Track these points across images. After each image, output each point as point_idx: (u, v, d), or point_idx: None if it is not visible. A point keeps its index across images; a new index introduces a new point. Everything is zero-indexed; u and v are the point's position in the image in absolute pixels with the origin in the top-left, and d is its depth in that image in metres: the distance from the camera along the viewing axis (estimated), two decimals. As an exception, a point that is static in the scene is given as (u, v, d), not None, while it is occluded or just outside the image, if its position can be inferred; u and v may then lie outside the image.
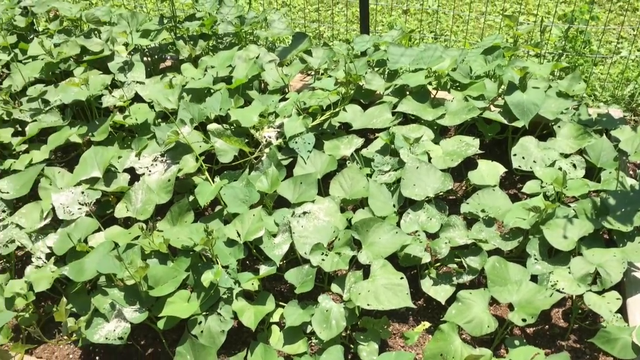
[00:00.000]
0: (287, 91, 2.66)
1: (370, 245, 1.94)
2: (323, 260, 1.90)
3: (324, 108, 2.48)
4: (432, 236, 2.03)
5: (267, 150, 2.32)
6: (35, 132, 2.53)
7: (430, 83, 2.57)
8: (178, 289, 1.90)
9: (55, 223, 2.22)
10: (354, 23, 3.67)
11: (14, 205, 2.32)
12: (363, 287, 1.81)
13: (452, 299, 1.85)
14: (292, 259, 2.12)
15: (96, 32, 3.01)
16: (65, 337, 2.04)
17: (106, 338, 1.83)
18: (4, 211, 2.28)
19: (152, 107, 2.56)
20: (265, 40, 3.28)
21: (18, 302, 1.99)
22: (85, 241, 2.12)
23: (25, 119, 2.62)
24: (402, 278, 1.80)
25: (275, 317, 1.92)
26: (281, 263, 2.11)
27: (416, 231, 2.00)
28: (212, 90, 2.58)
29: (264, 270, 1.96)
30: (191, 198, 2.20)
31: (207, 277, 1.86)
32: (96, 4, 4.08)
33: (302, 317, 1.83)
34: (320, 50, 2.76)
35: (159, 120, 2.55)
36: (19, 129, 2.64)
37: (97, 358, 2.00)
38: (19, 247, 2.17)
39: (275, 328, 1.89)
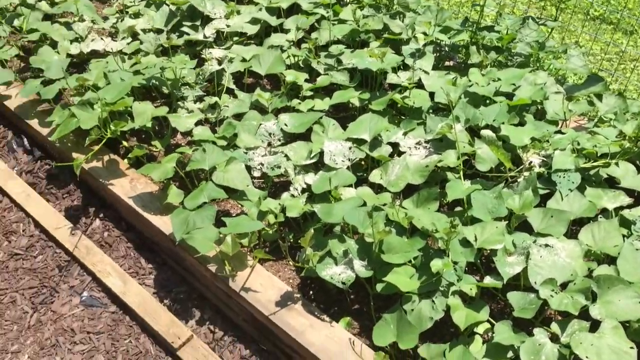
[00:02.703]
0: (566, 126, 2.62)
1: (606, 303, 1.86)
2: (552, 296, 1.88)
3: (597, 155, 2.40)
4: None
5: (526, 173, 2.32)
6: (324, 84, 2.82)
7: None
8: (405, 264, 2.02)
9: (320, 165, 2.47)
10: (649, 84, 3.44)
11: (288, 138, 2.63)
12: (587, 339, 1.75)
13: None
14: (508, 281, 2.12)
15: (401, 15, 3.23)
16: (292, 263, 2.28)
17: (331, 277, 2.01)
18: (279, 140, 2.61)
19: (431, 96, 2.70)
20: (555, 71, 3.24)
21: (269, 218, 2.27)
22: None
23: (319, 70, 2.92)
24: (632, 348, 1.71)
25: (480, 329, 1.95)
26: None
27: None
28: (491, 101, 2.63)
29: (489, 281, 1.99)
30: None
31: (436, 264, 1.94)
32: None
33: (512, 340, 1.83)
34: (613, 99, 2.65)
35: (431, 111, 2.68)
36: (309, 77, 2.95)
37: (311, 291, 2.21)
38: (281, 174, 2.46)
39: (478, 338, 1.92)
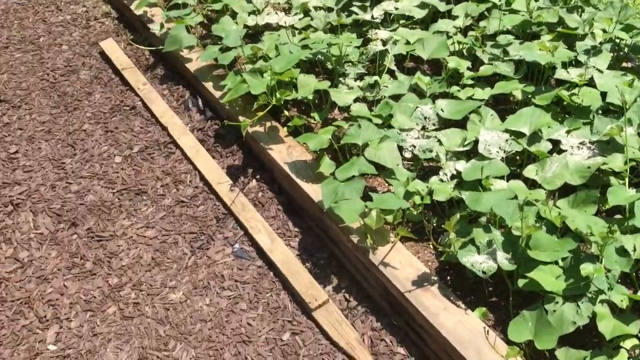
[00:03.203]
0: None
1: None
2: None
3: None
4: None
5: (703, 189, 2.13)
6: (487, 74, 2.77)
7: None
8: (552, 263, 1.96)
9: (472, 154, 2.45)
10: None
11: (442, 124, 2.63)
12: None
13: None
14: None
15: (579, 9, 3.06)
16: (432, 247, 2.30)
17: (472, 265, 2.01)
18: (434, 124, 2.62)
19: (602, 96, 2.55)
20: None
21: (415, 199, 2.30)
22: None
23: (483, 59, 2.88)
24: None
25: (627, 344, 1.84)
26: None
27: None
28: (670, 107, 2.43)
29: (645, 295, 1.87)
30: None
31: (586, 268, 1.86)
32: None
33: (663, 360, 1.71)
34: None
35: (600, 111, 2.53)
36: (472, 66, 2.91)
37: (448, 277, 2.22)
38: (432, 158, 2.47)
39: (624, 352, 1.82)
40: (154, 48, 3.61)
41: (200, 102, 3.25)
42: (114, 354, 2.26)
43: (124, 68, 3.50)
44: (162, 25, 3.49)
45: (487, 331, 1.96)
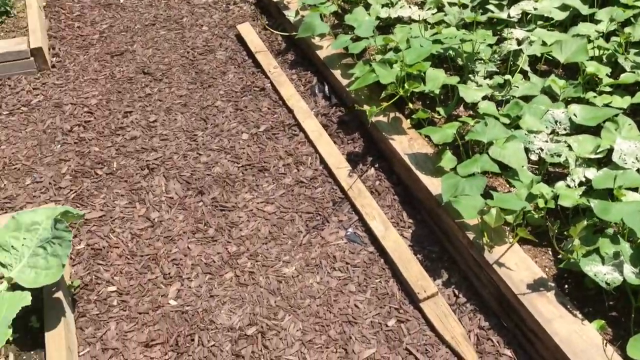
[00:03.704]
0: None
1: None
2: None
3: None
4: None
5: None
6: (627, 82, 2.63)
7: None
8: (685, 283, 1.84)
9: (603, 163, 2.34)
10: None
11: (573, 129, 2.54)
12: None
13: None
14: None
15: None
16: (551, 253, 2.23)
17: (595, 275, 1.93)
18: (565, 129, 2.53)
19: None
20: None
21: (539, 202, 2.24)
22: (619, 191, 2.20)
23: (624, 67, 2.73)
24: None
25: None
26: None
27: None
28: None
29: None
30: None
31: None
32: None
33: None
34: None
35: None
36: (611, 72, 2.77)
37: (566, 285, 2.15)
38: (559, 163, 2.40)
39: None
40: (287, 34, 3.75)
41: (326, 89, 3.34)
42: (227, 316, 2.39)
43: (257, 51, 3.67)
44: (297, 12, 3.62)
45: (605, 343, 1.88)
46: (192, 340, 2.32)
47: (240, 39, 3.87)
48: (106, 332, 2.34)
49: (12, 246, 2.11)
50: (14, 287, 2.07)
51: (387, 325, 2.31)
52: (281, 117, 3.27)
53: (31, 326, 2.20)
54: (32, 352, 2.17)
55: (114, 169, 3.03)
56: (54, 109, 3.36)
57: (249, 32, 3.84)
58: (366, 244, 2.61)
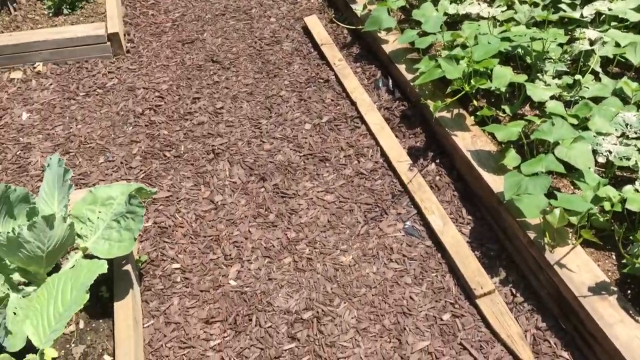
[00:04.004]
0: None
1: None
2: None
3: None
4: None
5: None
6: None
7: None
8: None
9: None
10: None
11: (646, 133, 2.48)
12: None
13: None
14: None
15: None
16: (614, 257, 2.19)
17: (661, 281, 1.90)
18: (635, 132, 2.47)
19: None
20: None
21: (605, 205, 2.21)
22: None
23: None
24: None
25: None
26: None
27: None
28: None
29: None
30: None
31: None
32: None
33: None
34: None
35: None
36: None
37: (629, 290, 2.11)
38: (628, 166, 2.35)
39: None
40: (353, 27, 3.79)
41: (390, 83, 3.36)
42: (284, 299, 2.46)
43: (323, 43, 3.72)
44: (364, 6, 3.65)
45: (669, 351, 1.85)
46: (250, 320, 2.39)
47: (306, 31, 3.93)
48: (169, 307, 2.45)
49: (89, 218, 2.23)
50: (88, 257, 2.19)
51: (441, 319, 2.33)
52: (344, 109, 3.32)
53: (101, 295, 2.32)
54: (100, 321, 2.30)
55: (181, 152, 3.14)
56: (127, 93, 3.51)
57: (316, 25, 3.89)
58: (424, 238, 2.62)
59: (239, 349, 2.31)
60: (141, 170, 3.05)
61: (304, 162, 3.05)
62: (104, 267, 1.84)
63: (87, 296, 1.74)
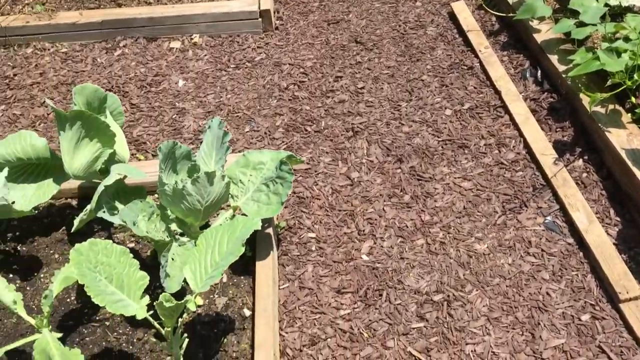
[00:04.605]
0: None
1: None
2: None
3: None
4: None
5: None
6: None
7: None
8: None
9: None
10: None
11: None
12: None
13: None
14: None
15: None
16: None
17: None
18: None
19: None
20: None
21: None
22: None
23: None
24: None
25: None
26: None
27: None
28: None
29: None
30: None
31: None
32: None
33: None
34: None
35: None
36: None
37: None
38: None
39: None
40: (502, 14, 3.69)
41: (539, 73, 3.25)
42: (415, 279, 2.48)
43: (469, 30, 3.66)
44: (517, -6, 3.54)
45: None
46: (380, 295, 2.44)
47: (452, 16, 3.88)
48: (304, 273, 2.55)
49: (240, 180, 2.38)
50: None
51: (579, 319, 2.25)
52: (487, 98, 3.25)
53: (244, 254, 2.47)
54: (241, 277, 2.45)
55: (322, 128, 3.24)
56: (274, 67, 3.66)
57: (463, 10, 3.83)
58: (565, 235, 2.53)
59: (367, 321, 2.36)
60: (283, 141, 3.18)
61: (442, 147, 3.03)
62: (258, 225, 1.96)
63: (243, 249, 1.86)
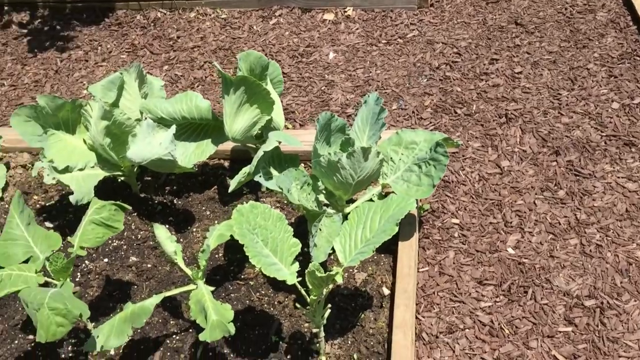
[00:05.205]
0: None
1: None
2: None
3: None
4: None
5: None
6: None
7: None
8: None
9: None
10: None
11: None
12: None
13: None
14: None
15: None
16: None
17: None
18: None
19: None
20: None
21: None
22: None
23: None
24: None
25: None
26: None
27: None
28: None
29: None
30: None
31: None
32: None
33: None
34: None
35: None
36: None
37: None
38: None
39: None
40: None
41: None
42: (565, 280, 2.34)
43: (647, 17, 3.34)
44: None
45: None
46: (525, 292, 2.33)
47: (627, 1, 3.55)
48: (444, 258, 2.49)
49: (391, 158, 2.35)
50: (386, 194, 2.32)
51: None
52: (662, 93, 2.96)
53: (387, 232, 2.45)
54: (382, 255, 2.44)
55: (472, 112, 3.12)
56: (426, 45, 3.57)
57: (641, -5, 3.49)
58: None
59: (510, 317, 2.27)
60: (431, 122, 3.10)
61: (606, 143, 2.81)
62: (413, 205, 1.93)
63: (396, 229, 1.84)
